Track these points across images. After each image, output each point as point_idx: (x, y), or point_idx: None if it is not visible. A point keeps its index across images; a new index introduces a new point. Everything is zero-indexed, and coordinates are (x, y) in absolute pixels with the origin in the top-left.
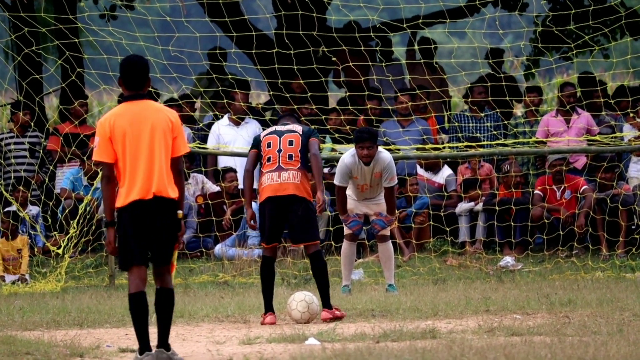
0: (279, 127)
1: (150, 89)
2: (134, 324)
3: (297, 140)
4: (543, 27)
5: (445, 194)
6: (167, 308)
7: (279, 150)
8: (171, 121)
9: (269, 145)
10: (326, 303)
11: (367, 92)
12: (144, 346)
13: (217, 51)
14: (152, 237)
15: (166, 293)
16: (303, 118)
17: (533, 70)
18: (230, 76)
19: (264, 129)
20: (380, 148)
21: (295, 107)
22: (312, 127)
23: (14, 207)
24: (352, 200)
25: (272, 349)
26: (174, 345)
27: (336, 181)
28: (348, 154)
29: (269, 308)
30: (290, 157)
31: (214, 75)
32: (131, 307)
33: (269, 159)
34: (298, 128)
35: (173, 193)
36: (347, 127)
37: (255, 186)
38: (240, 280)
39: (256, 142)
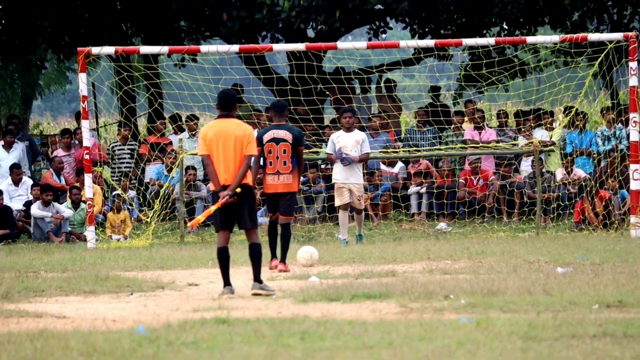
0: (275, 132)
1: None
2: (219, 267)
3: (288, 149)
4: (465, 72)
5: (399, 181)
6: (255, 256)
7: (277, 157)
8: (245, 133)
9: (270, 152)
10: (283, 259)
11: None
12: (225, 282)
13: (251, 88)
14: (232, 210)
15: (253, 246)
16: (307, 132)
17: (458, 100)
18: (249, 104)
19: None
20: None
21: (302, 124)
22: (299, 129)
23: (119, 192)
24: (338, 184)
25: (287, 283)
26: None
27: (327, 150)
28: (335, 133)
29: (273, 255)
30: (284, 163)
31: (248, 104)
32: (217, 257)
33: (270, 164)
34: (289, 136)
35: (245, 179)
36: None
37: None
38: (264, 239)
39: (260, 142)
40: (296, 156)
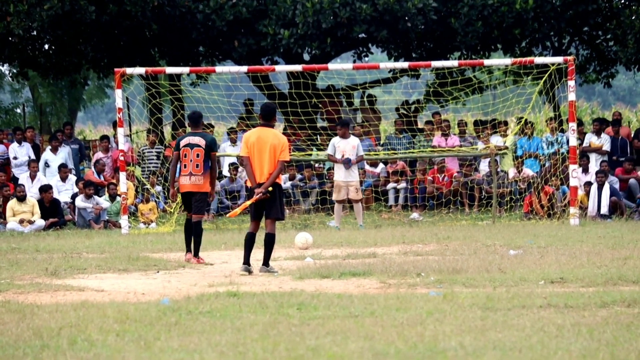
0: (191, 139)
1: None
2: (244, 248)
3: (202, 153)
4: (432, 88)
5: (380, 179)
6: (269, 243)
7: (191, 160)
8: (280, 141)
9: (185, 155)
10: (196, 253)
11: (337, 123)
12: (245, 261)
13: (257, 101)
14: (263, 204)
15: (269, 236)
16: (303, 138)
17: (421, 113)
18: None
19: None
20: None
21: (299, 131)
22: (213, 136)
23: (148, 186)
24: (338, 182)
25: (287, 263)
26: (235, 261)
27: (328, 151)
28: (335, 138)
29: (188, 249)
30: (197, 166)
31: (254, 115)
32: (245, 239)
33: (185, 166)
34: (202, 142)
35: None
36: (327, 143)
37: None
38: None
39: (177, 147)
40: (209, 160)
